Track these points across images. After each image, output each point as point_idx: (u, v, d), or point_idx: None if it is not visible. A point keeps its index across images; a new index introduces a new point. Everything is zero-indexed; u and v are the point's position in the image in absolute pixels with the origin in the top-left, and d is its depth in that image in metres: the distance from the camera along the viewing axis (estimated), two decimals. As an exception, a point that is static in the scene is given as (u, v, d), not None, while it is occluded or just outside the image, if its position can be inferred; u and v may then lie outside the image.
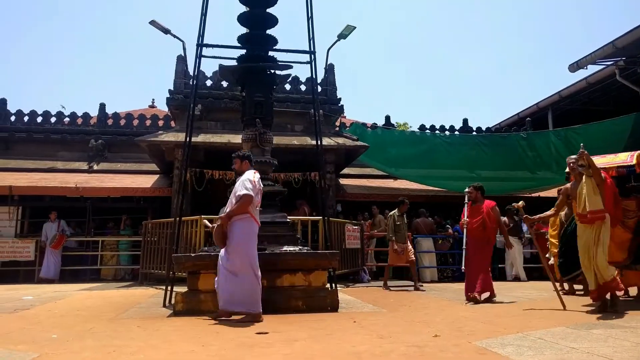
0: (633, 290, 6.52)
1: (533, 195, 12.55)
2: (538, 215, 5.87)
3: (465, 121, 16.41)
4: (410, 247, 8.67)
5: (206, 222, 8.03)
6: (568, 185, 5.59)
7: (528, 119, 16.54)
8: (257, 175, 4.92)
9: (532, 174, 13.45)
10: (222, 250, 4.79)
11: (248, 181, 4.76)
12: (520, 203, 6.28)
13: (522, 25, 55.49)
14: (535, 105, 16.88)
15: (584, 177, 5.11)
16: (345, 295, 6.83)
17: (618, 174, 5.87)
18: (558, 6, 52.68)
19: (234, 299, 4.61)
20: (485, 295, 6.31)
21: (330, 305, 5.32)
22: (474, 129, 16.32)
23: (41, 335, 3.86)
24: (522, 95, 57.19)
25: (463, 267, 6.42)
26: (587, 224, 5.04)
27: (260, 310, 4.63)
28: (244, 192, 4.67)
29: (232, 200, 4.81)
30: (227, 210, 4.75)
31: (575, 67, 12.84)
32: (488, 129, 16.83)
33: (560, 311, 5.16)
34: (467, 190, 6.62)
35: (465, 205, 6.55)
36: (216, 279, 4.82)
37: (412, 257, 8.59)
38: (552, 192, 11.22)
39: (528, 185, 13.12)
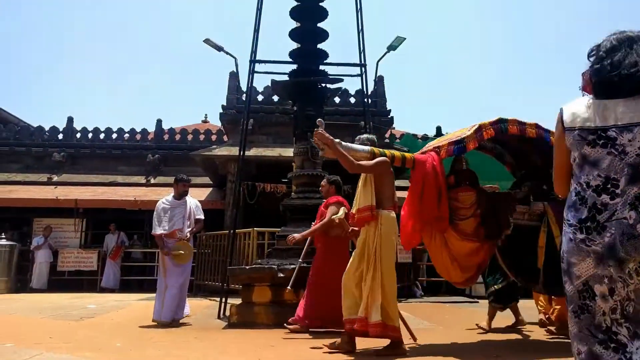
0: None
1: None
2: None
3: (520, 131, 15.82)
4: None
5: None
6: None
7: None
8: None
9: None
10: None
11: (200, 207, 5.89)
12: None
13: (577, 40, 53.38)
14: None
15: None
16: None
17: (448, 154, 4.24)
18: (605, 25, 50.33)
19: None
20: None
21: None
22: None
23: (106, 343, 4.02)
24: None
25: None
26: (361, 228, 3.78)
27: None
28: (203, 217, 5.86)
29: (184, 219, 5.67)
30: (189, 230, 5.65)
31: None
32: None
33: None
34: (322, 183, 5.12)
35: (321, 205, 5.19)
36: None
37: None
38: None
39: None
